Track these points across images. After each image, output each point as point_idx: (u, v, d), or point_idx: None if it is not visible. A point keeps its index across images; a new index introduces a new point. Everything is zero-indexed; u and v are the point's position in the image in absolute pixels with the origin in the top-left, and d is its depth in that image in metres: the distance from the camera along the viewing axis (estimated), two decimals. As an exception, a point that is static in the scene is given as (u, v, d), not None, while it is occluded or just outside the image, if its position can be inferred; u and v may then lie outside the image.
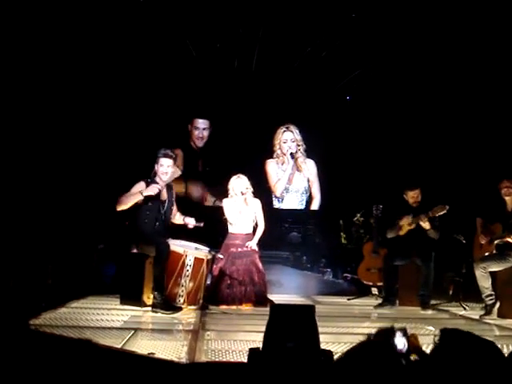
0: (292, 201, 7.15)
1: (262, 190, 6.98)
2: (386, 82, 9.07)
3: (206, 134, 6.92)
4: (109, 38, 7.90)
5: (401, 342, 2.13)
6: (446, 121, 8.78)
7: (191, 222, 6.44)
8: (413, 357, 2.17)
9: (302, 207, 7.25)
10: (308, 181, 6.96)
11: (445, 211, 6.49)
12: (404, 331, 2.17)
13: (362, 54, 8.79)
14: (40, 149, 7.73)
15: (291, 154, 6.90)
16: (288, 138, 6.95)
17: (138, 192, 5.93)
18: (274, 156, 7.09)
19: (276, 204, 7.23)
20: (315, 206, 7.32)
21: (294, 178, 7.09)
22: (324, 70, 9.12)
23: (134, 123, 8.43)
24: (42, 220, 7.42)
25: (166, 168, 6.15)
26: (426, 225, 6.60)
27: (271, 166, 7.10)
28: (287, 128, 6.98)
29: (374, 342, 2.10)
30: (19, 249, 6.61)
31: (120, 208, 5.94)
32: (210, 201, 7.34)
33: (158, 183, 6.09)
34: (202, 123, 6.90)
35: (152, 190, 5.95)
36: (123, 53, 8.15)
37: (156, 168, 6.15)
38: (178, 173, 6.57)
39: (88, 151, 8.19)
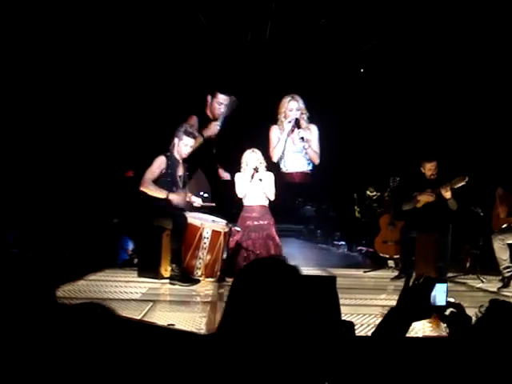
0: (297, 163, 7.23)
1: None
2: (400, 54, 8.94)
3: (224, 109, 6.95)
4: (121, 11, 7.86)
5: (439, 295, 2.13)
6: (463, 90, 8.66)
7: (197, 201, 6.48)
8: (449, 311, 2.16)
9: (309, 168, 7.31)
10: (307, 144, 7.03)
11: (464, 182, 6.43)
12: (445, 285, 2.16)
13: (377, 26, 8.67)
14: (54, 123, 7.74)
15: (296, 119, 6.92)
16: (294, 107, 6.99)
17: (164, 193, 6.02)
18: (278, 123, 7.13)
19: (283, 168, 7.27)
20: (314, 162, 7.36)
21: (295, 140, 7.16)
22: (338, 42, 9.01)
23: (147, 92, 8.41)
24: (59, 194, 7.45)
25: (189, 148, 6.19)
26: (447, 194, 6.51)
27: (274, 132, 7.14)
28: (292, 97, 7.02)
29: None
30: (38, 222, 6.66)
31: (144, 190, 6.00)
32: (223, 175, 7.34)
33: (178, 160, 6.21)
34: (224, 99, 6.93)
35: (177, 201, 6.09)
36: (136, 25, 8.10)
37: (176, 143, 6.16)
38: (200, 141, 6.59)
39: (102, 120, 8.18)
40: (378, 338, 2.04)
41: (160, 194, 6.00)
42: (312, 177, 7.40)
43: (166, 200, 6.00)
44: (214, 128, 6.85)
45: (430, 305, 2.09)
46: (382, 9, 8.29)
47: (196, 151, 6.49)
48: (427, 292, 2.08)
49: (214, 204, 6.63)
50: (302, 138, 6.97)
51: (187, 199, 6.31)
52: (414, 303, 2.05)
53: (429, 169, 6.78)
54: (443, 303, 2.15)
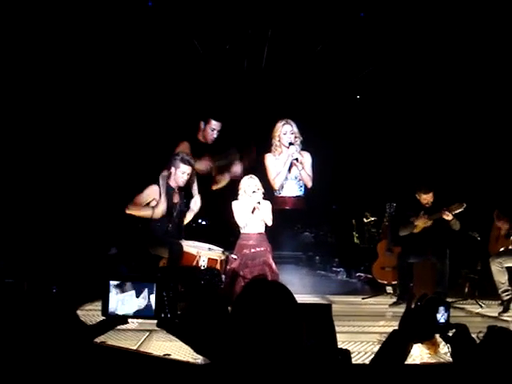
0: (291, 188, 7.26)
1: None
2: (396, 81, 9.02)
3: (216, 134, 7.04)
4: (118, 38, 7.93)
5: (442, 316, 2.13)
6: (458, 116, 8.71)
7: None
8: (451, 332, 2.15)
9: (301, 193, 7.33)
10: (302, 169, 7.09)
11: (462, 209, 6.46)
12: (447, 305, 2.16)
13: (372, 53, 8.75)
14: (48, 151, 7.75)
15: (290, 143, 6.97)
16: (288, 130, 7.04)
17: (150, 210, 6.04)
18: (272, 149, 7.17)
19: (275, 192, 7.30)
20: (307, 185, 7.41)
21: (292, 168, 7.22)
22: (334, 69, 9.08)
23: (141, 119, 8.45)
24: (54, 223, 7.43)
25: (187, 176, 6.21)
26: (449, 217, 6.53)
27: (269, 160, 7.16)
28: (286, 121, 7.09)
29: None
30: (31, 254, 6.63)
31: (129, 212, 6.01)
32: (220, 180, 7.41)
33: (173, 188, 6.24)
34: (218, 125, 7.01)
35: (162, 210, 6.10)
36: (132, 52, 8.17)
37: (173, 172, 6.18)
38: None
39: (94, 150, 8.19)
40: (379, 361, 2.02)
41: (145, 212, 6.03)
42: (305, 201, 7.41)
43: (158, 220, 6.02)
44: (207, 165, 6.87)
45: (434, 325, 2.09)
46: (377, 35, 8.37)
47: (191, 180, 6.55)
48: (431, 312, 2.08)
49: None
50: (296, 159, 6.99)
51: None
52: (417, 324, 2.05)
53: (424, 198, 6.81)
54: (446, 324, 2.15)
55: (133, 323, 5.17)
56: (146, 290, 2.19)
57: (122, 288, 2.26)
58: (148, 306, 2.19)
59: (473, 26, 7.68)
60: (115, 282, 2.24)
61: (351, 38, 8.49)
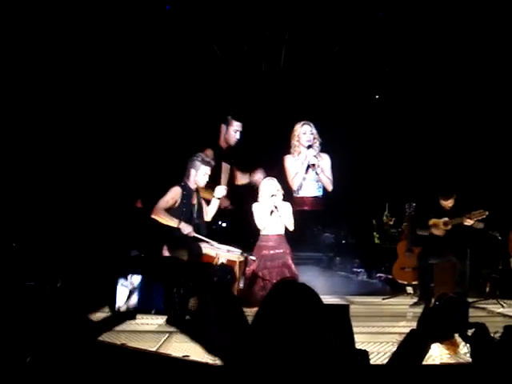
0: (309, 189, 7.33)
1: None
2: (415, 80, 8.96)
3: (239, 136, 7.10)
4: (136, 43, 7.99)
5: (461, 315, 2.11)
6: (480, 115, 8.63)
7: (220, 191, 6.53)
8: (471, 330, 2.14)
9: (320, 194, 7.38)
10: (321, 171, 7.18)
11: (483, 217, 6.43)
12: (466, 304, 2.15)
13: (390, 52, 8.71)
14: (72, 152, 7.82)
15: (308, 146, 7.05)
16: (307, 130, 7.16)
17: (176, 221, 6.06)
18: (291, 150, 7.26)
19: (294, 193, 7.36)
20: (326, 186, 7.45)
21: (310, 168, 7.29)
22: (352, 69, 9.05)
23: (163, 122, 8.48)
24: (73, 226, 7.49)
25: (207, 177, 6.25)
26: (470, 223, 6.51)
27: (289, 161, 7.28)
28: (306, 122, 7.20)
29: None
30: (53, 254, 6.69)
31: (155, 218, 6.04)
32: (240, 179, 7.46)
33: (192, 190, 6.30)
34: (239, 125, 7.07)
35: (187, 231, 6.11)
36: (149, 56, 8.22)
37: (194, 174, 6.21)
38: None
39: (113, 151, 8.23)
40: (396, 361, 2.02)
41: (172, 222, 6.05)
42: (323, 202, 7.44)
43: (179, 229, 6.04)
44: (222, 191, 6.83)
45: (452, 325, 2.08)
46: (395, 34, 8.34)
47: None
48: (449, 312, 2.07)
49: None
50: (313, 165, 7.04)
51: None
52: (435, 323, 2.04)
53: (444, 204, 6.77)
54: (464, 323, 2.14)
55: (152, 325, 5.21)
56: (154, 285, 2.19)
57: (129, 284, 2.27)
58: (156, 301, 2.20)
59: (496, 24, 7.62)
60: (123, 279, 2.25)
61: (369, 37, 8.47)
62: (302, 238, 7.35)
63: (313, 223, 8.37)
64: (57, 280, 5.84)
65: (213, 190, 6.64)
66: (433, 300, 2.14)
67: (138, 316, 5.39)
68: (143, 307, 5.30)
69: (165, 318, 5.54)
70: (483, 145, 8.57)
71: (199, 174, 6.23)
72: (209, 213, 6.58)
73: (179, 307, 2.02)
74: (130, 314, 5.06)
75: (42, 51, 7.44)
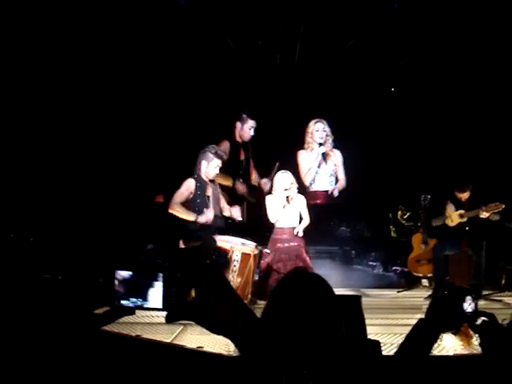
0: (322, 183, 7.43)
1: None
2: (431, 72, 8.91)
3: (254, 132, 7.18)
4: (151, 39, 8.04)
5: (469, 306, 2.12)
6: (496, 108, 8.57)
7: (237, 214, 6.53)
8: (480, 320, 2.15)
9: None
10: (334, 165, 7.29)
11: (500, 209, 6.40)
12: (475, 294, 2.15)
13: (407, 45, 8.67)
14: (87, 149, 7.89)
15: (320, 143, 7.17)
16: (320, 128, 7.29)
17: (193, 215, 6.06)
18: (305, 146, 7.39)
19: (308, 187, 7.46)
20: (340, 186, 7.52)
21: (322, 164, 7.37)
22: (367, 61, 9.03)
23: (177, 117, 8.52)
24: (89, 219, 7.56)
25: (217, 170, 6.26)
26: (486, 216, 6.50)
27: (302, 156, 7.41)
28: (319, 120, 7.31)
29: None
30: (71, 248, 6.76)
31: (172, 212, 6.08)
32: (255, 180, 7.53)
33: (206, 181, 6.26)
34: (254, 123, 7.15)
35: (206, 219, 6.10)
36: (164, 52, 8.26)
37: (205, 165, 6.22)
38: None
39: (130, 146, 8.29)
40: (405, 351, 2.03)
41: (188, 216, 6.06)
42: (336, 196, 7.50)
43: (195, 222, 6.07)
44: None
45: (460, 314, 2.09)
46: (412, 26, 8.30)
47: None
48: (457, 302, 2.08)
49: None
50: (327, 155, 7.17)
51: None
52: (443, 313, 2.05)
53: (460, 196, 6.75)
54: (473, 313, 2.14)
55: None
56: (155, 280, 2.20)
57: (130, 278, 2.27)
58: (157, 297, 2.21)
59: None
60: (122, 272, 2.25)
61: (384, 29, 8.44)
62: (317, 231, 7.36)
63: (328, 217, 8.39)
64: (78, 272, 5.91)
65: (230, 176, 6.85)
66: (440, 291, 2.13)
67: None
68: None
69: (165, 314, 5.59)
70: (499, 137, 8.50)
71: (210, 166, 6.21)
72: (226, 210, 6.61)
73: (177, 303, 2.02)
74: (130, 310, 5.13)
75: (53, 49, 7.50)
